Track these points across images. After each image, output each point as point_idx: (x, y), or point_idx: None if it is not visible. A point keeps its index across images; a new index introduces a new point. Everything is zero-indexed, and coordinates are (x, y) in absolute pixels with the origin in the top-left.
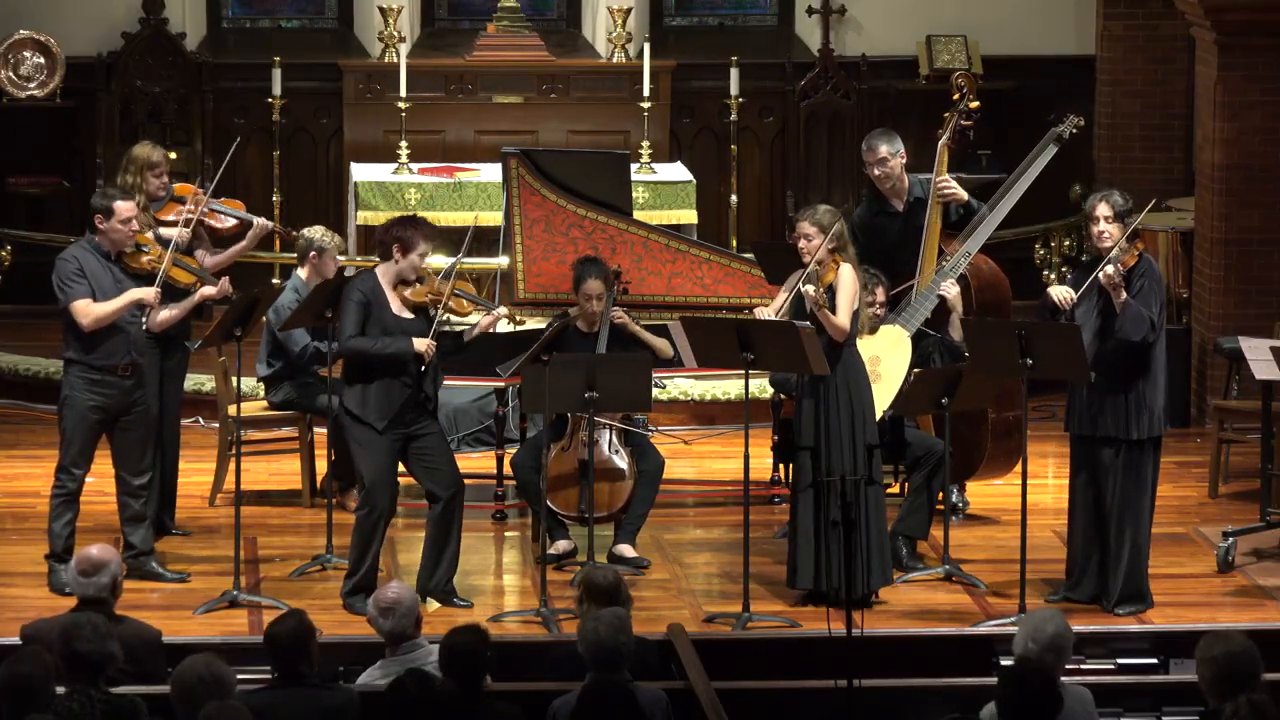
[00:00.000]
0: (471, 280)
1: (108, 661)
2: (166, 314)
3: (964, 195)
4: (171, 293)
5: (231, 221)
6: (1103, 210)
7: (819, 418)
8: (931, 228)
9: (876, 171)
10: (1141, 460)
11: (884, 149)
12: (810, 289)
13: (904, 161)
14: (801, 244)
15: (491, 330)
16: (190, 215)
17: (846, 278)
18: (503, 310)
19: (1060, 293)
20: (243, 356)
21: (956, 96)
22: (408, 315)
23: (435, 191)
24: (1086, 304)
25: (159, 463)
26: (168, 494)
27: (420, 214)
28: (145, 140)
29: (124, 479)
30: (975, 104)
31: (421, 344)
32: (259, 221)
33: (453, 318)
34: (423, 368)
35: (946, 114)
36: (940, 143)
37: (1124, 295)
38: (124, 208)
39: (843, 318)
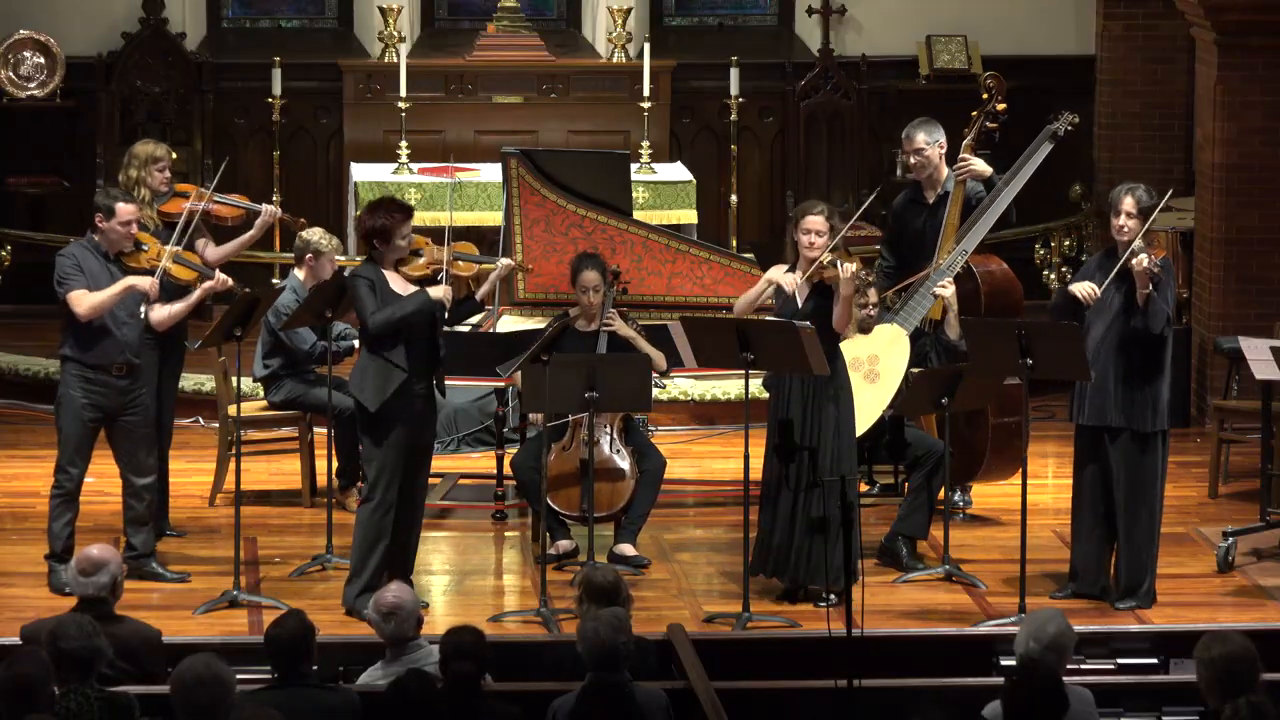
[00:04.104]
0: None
1: (96, 658)
2: (168, 311)
3: (984, 169)
4: (170, 290)
5: (236, 210)
6: (1128, 205)
7: (806, 419)
8: (950, 220)
9: (912, 160)
10: (1150, 453)
11: (920, 138)
12: (850, 267)
13: (943, 151)
14: (811, 239)
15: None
16: (194, 209)
17: (849, 276)
18: (508, 261)
19: (1084, 289)
20: (242, 356)
21: (985, 97)
22: (413, 290)
23: (435, 191)
24: (1109, 294)
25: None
26: (162, 495)
27: (420, 214)
28: (147, 138)
29: (128, 480)
30: (1003, 106)
31: (437, 291)
32: (266, 209)
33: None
34: (439, 346)
35: (974, 113)
36: (965, 142)
37: (1150, 287)
38: (126, 210)
39: (842, 316)
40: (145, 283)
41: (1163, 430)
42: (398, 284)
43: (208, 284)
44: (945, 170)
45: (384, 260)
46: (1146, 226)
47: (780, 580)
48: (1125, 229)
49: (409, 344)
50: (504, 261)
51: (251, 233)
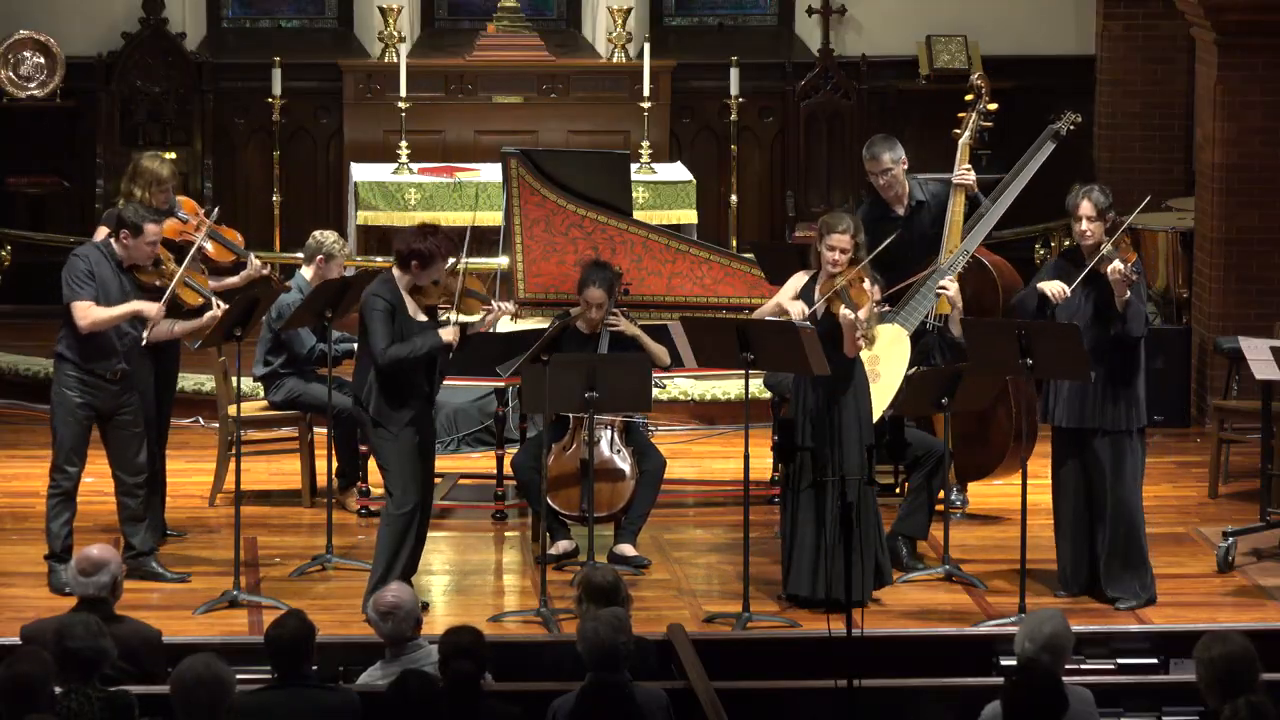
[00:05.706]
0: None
1: (102, 659)
2: (167, 327)
3: (973, 183)
4: (172, 309)
5: (230, 255)
6: (1085, 208)
7: (821, 419)
8: (954, 220)
9: (881, 180)
10: (1131, 451)
11: (887, 157)
12: (850, 314)
13: (905, 167)
14: (836, 256)
15: (492, 328)
16: (197, 235)
17: (848, 321)
18: (509, 306)
19: (1053, 287)
20: (243, 356)
21: (971, 98)
22: (421, 318)
23: (435, 191)
24: (1078, 297)
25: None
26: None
27: (420, 214)
28: (153, 153)
29: (121, 479)
30: (993, 105)
31: (448, 333)
32: (254, 263)
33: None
34: (436, 367)
35: (962, 114)
36: (961, 140)
37: (1128, 293)
38: (154, 230)
39: (849, 348)
40: (152, 309)
41: (1140, 428)
42: (410, 307)
43: (211, 314)
44: (908, 183)
45: (405, 281)
46: (1124, 226)
47: (815, 593)
48: (1088, 233)
49: (414, 368)
50: (505, 306)
51: (234, 280)
